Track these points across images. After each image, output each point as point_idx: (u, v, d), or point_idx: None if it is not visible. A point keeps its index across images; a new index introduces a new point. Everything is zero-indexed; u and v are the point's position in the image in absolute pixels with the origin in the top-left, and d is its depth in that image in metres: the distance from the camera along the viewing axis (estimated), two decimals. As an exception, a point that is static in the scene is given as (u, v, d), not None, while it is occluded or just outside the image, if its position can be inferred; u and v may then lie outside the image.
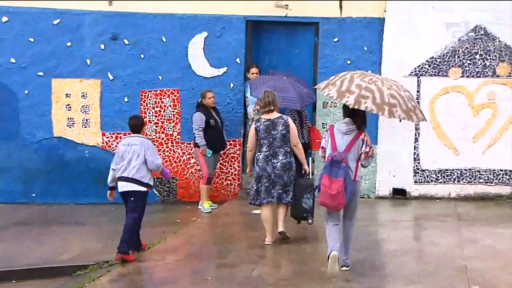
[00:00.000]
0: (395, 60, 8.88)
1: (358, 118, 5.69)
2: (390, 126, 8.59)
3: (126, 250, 6.42)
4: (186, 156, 9.11)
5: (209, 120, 8.45)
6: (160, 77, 9.29)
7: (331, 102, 8.87)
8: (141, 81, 9.28)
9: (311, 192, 6.65)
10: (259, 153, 6.74)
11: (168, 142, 9.27)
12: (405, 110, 5.54)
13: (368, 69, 8.31)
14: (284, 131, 6.70)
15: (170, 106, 9.26)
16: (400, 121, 5.54)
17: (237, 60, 9.21)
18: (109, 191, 6.70)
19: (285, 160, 6.70)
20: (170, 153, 9.24)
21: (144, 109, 9.32)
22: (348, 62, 8.96)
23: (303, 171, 6.82)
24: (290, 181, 6.70)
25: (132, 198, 6.48)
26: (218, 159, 8.88)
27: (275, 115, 6.75)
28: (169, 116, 9.26)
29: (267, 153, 6.73)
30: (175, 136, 9.23)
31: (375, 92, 5.51)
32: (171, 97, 9.28)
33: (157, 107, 9.29)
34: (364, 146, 5.70)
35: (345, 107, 5.74)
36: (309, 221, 6.79)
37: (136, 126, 6.67)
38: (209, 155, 8.34)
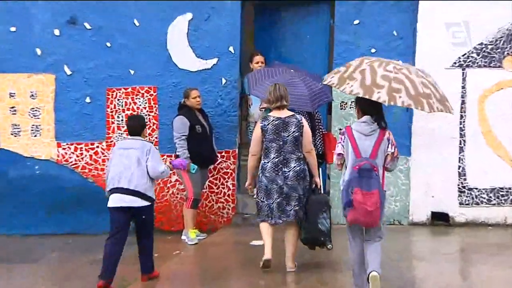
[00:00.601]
0: (433, 48, 8.87)
1: (378, 114, 5.87)
2: (427, 131, 8.64)
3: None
4: (165, 172, 8.96)
5: (194, 125, 8.39)
6: (132, 72, 9.23)
7: (351, 102, 8.77)
8: (108, 76, 9.25)
9: (327, 211, 6.83)
10: (265, 161, 6.84)
11: None
12: (440, 99, 5.79)
13: (398, 59, 7.89)
14: (297, 133, 6.82)
15: (145, 108, 9.20)
16: (431, 111, 5.73)
17: (231, 49, 9.14)
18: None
19: (298, 168, 6.82)
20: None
21: (111, 112, 9.25)
22: (373, 50, 8.89)
23: (313, 185, 6.96)
24: (304, 193, 6.84)
25: (143, 217, 6.63)
26: (206, 176, 8.85)
27: (286, 113, 6.85)
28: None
29: (277, 160, 6.83)
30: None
31: (405, 82, 5.72)
32: (146, 96, 9.21)
33: (128, 109, 9.22)
34: (390, 146, 5.93)
35: (359, 102, 5.91)
36: (329, 246, 6.92)
37: (135, 128, 6.83)
38: (194, 171, 8.19)
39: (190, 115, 8.44)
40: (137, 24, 9.21)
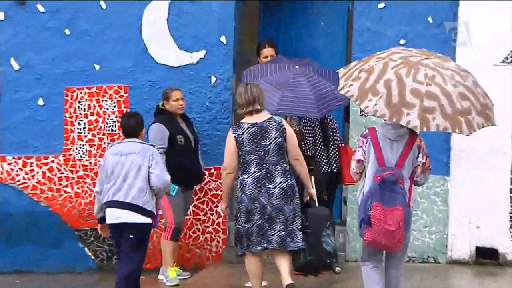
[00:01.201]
0: (480, 38, 8.80)
1: None
2: (471, 144, 8.56)
3: None
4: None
5: (175, 135, 8.35)
6: (98, 67, 9.29)
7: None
8: (67, 72, 9.31)
9: (330, 227, 7.05)
10: (245, 176, 6.99)
11: None
12: (480, 111, 6.00)
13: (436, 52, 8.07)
14: (279, 139, 6.97)
15: (114, 113, 9.21)
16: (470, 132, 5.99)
17: (222, 39, 9.14)
18: (99, 225, 7.18)
19: (285, 184, 6.98)
20: None
21: (71, 117, 9.25)
22: (402, 41, 8.85)
23: (307, 198, 7.19)
24: (294, 215, 6.98)
25: (131, 235, 6.87)
26: (190, 199, 8.80)
27: (262, 116, 7.03)
28: (112, 129, 9.20)
29: (259, 174, 6.98)
30: None
31: (440, 97, 5.91)
32: (116, 98, 9.23)
33: (92, 114, 9.25)
34: (420, 155, 6.15)
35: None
36: (336, 269, 7.10)
37: (131, 128, 7.08)
38: (173, 193, 8.18)
39: (170, 123, 8.41)
40: (104, 6, 9.25)
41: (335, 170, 7.98)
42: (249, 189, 6.97)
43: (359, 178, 6.34)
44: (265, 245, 6.99)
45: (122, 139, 7.27)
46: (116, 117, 9.17)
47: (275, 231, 6.97)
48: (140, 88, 9.19)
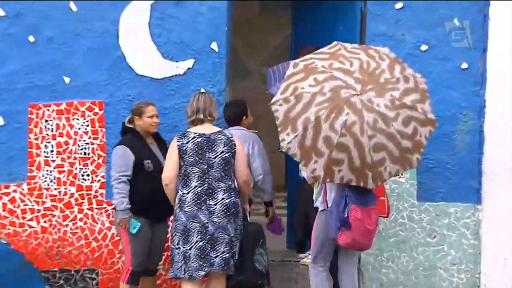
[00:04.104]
0: None
1: None
2: (507, 167, 8.42)
3: None
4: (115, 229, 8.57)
5: (142, 161, 7.84)
6: (67, 79, 8.83)
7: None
8: (30, 86, 8.88)
9: (263, 244, 7.39)
10: (184, 191, 7.13)
11: (82, 203, 8.89)
12: (398, 157, 6.48)
13: (461, 62, 8.44)
14: (227, 154, 7.19)
15: (86, 133, 8.81)
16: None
17: (214, 46, 8.73)
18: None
19: (228, 201, 7.15)
20: (86, 223, 8.87)
21: (36, 138, 8.81)
22: (423, 47, 8.60)
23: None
24: (237, 235, 7.23)
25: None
26: (164, 233, 8.24)
27: (212, 128, 7.28)
28: (85, 153, 8.83)
29: (200, 189, 7.12)
30: (96, 191, 8.86)
31: (351, 149, 6.37)
32: (89, 116, 8.84)
33: (61, 135, 8.84)
34: None
35: None
36: None
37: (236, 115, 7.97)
38: (134, 231, 7.75)
39: (136, 144, 7.95)
40: (74, 8, 8.79)
41: None
42: (188, 205, 7.12)
43: (314, 181, 7.06)
44: (207, 269, 7.10)
45: None
46: (89, 138, 8.73)
47: (219, 253, 7.11)
48: (117, 104, 8.72)
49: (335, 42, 6.94)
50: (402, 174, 8.13)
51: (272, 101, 6.69)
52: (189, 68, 8.75)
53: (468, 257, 8.54)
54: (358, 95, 6.43)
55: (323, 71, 6.62)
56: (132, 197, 7.84)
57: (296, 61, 6.84)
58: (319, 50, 6.94)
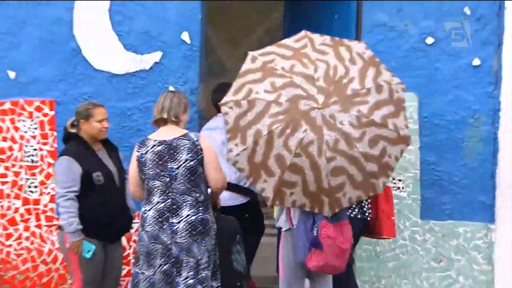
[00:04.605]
0: None
1: None
2: None
3: None
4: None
5: (91, 173, 7.43)
6: (12, 74, 8.46)
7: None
8: None
9: (240, 241, 7.22)
10: (146, 208, 6.95)
11: (29, 219, 8.43)
12: (360, 182, 6.18)
13: (473, 58, 8.13)
14: (191, 162, 6.87)
15: (35, 137, 8.44)
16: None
17: (185, 36, 8.39)
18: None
19: (194, 217, 6.85)
20: (33, 243, 8.42)
21: None
22: (429, 40, 8.21)
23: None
24: (209, 258, 6.93)
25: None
26: (119, 256, 7.87)
27: (175, 132, 6.96)
28: (33, 160, 8.52)
29: (162, 205, 6.88)
30: (45, 205, 8.46)
31: (306, 172, 6.09)
32: (37, 117, 8.50)
33: (4, 139, 8.50)
34: None
35: None
36: None
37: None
38: (88, 255, 7.38)
39: (83, 154, 7.46)
40: None
41: (367, 217, 7.30)
42: (149, 224, 6.86)
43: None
44: None
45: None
46: (37, 143, 8.40)
47: (182, 279, 6.91)
48: (71, 103, 8.27)
49: (303, 33, 6.53)
50: (402, 188, 7.97)
51: (223, 100, 6.44)
52: (156, 63, 8.41)
53: (479, 285, 8.30)
54: (319, 108, 6.14)
55: (282, 75, 6.31)
56: (83, 216, 7.42)
57: (255, 54, 6.49)
58: (283, 42, 6.59)
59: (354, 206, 7.49)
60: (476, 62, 7.92)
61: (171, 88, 8.25)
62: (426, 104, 7.98)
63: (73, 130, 7.63)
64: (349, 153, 6.17)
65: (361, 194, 6.28)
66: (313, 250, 6.37)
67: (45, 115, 8.39)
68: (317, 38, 6.55)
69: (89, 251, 7.39)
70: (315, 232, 6.34)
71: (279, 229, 7.00)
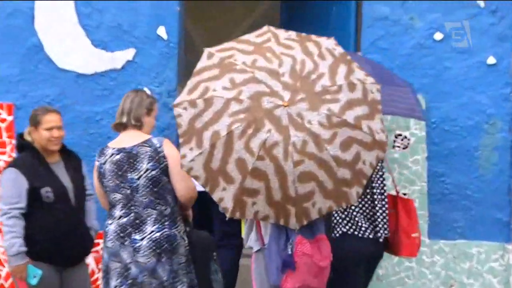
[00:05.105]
0: None
1: None
2: None
3: None
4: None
5: (39, 189, 7.04)
6: None
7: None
8: None
9: (217, 258, 7.10)
10: (108, 221, 6.81)
11: None
12: (331, 191, 5.93)
13: (488, 56, 7.86)
14: (153, 172, 6.67)
15: None
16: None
17: (161, 31, 8.14)
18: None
19: (159, 234, 6.63)
20: None
21: None
22: (438, 36, 7.90)
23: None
24: (174, 279, 6.69)
25: None
26: (84, 280, 7.51)
27: (136, 138, 6.70)
28: None
29: (125, 219, 6.71)
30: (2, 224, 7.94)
31: (270, 178, 5.87)
32: None
33: None
34: None
35: None
36: None
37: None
38: (34, 282, 7.00)
39: (32, 166, 7.11)
40: None
41: (383, 234, 6.78)
42: (110, 240, 6.67)
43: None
44: None
45: None
46: None
47: None
48: (32, 106, 7.80)
49: (265, 28, 6.13)
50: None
51: (176, 102, 6.12)
52: (128, 61, 8.10)
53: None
54: (285, 106, 5.83)
55: (243, 70, 5.97)
56: (30, 236, 7.00)
57: (212, 50, 6.17)
58: (244, 37, 6.24)
59: (363, 223, 7.04)
60: (491, 60, 7.59)
61: (147, 90, 7.70)
62: (434, 108, 7.65)
63: (29, 138, 7.12)
64: (318, 156, 5.82)
65: (332, 204, 5.90)
66: (287, 271, 6.03)
67: (3, 120, 8.14)
68: (282, 33, 6.18)
69: (34, 276, 6.99)
70: (289, 250, 6.00)
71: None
